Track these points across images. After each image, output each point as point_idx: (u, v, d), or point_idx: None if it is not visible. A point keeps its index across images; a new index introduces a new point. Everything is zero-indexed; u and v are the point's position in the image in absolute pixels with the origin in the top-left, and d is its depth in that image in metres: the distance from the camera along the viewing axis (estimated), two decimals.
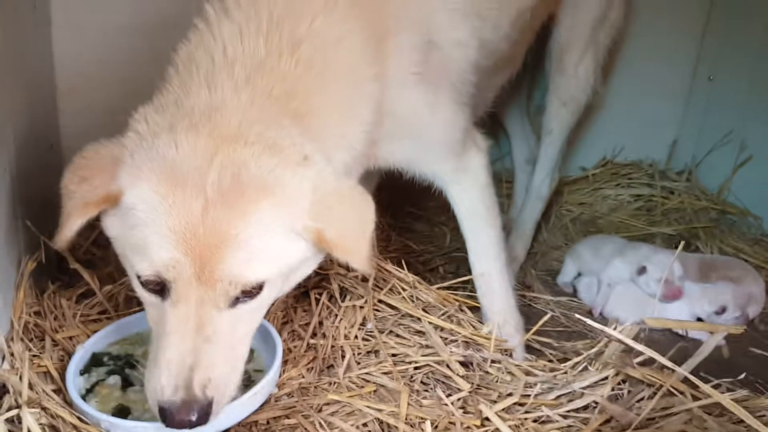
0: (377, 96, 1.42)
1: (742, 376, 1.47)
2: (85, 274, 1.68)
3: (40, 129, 2.01)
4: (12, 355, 1.38)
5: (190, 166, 1.14)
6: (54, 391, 1.34)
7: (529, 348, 1.84)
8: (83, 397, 1.33)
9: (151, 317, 1.23)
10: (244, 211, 1.13)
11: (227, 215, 1.12)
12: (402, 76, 1.49)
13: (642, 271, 2.14)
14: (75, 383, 1.35)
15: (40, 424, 1.18)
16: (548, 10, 2.16)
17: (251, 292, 1.18)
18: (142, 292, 1.21)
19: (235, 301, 1.17)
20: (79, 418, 1.26)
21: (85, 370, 1.42)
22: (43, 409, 1.23)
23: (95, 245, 2.05)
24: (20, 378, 1.29)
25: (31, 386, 1.27)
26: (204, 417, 1.13)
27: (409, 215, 2.77)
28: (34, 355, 1.42)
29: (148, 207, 1.14)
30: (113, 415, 1.29)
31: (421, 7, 1.53)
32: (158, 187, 1.13)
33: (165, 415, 1.12)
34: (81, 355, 1.43)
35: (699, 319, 2.11)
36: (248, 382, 1.41)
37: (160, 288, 1.17)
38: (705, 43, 2.86)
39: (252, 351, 1.51)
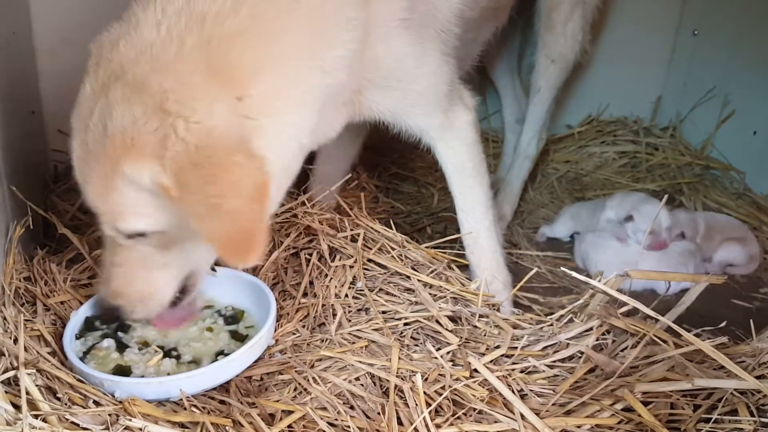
0: (357, 42, 1.36)
1: (723, 324, 1.50)
2: (74, 239, 1.68)
3: (20, 94, 1.99)
4: (5, 319, 1.38)
5: (82, 112, 1.19)
6: (49, 353, 1.35)
7: (516, 304, 1.87)
8: (81, 360, 1.34)
9: None
10: (109, 165, 1.14)
11: (97, 172, 1.16)
12: (387, 23, 1.45)
13: (629, 219, 2.14)
14: (72, 347, 1.36)
15: (37, 385, 1.19)
16: None
17: (142, 235, 1.23)
18: None
19: (135, 236, 1.24)
20: (76, 378, 1.28)
21: (81, 335, 1.43)
22: (39, 371, 1.25)
23: (81, 211, 2.04)
24: (14, 341, 1.30)
25: (26, 349, 1.28)
26: (117, 316, 1.34)
27: (396, 176, 2.77)
28: (26, 320, 1.42)
29: None
30: (113, 375, 1.31)
31: None
32: (72, 130, 1.22)
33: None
34: (75, 320, 1.44)
35: None
36: (242, 338, 1.44)
37: None
38: None
39: (242, 311, 1.53)
